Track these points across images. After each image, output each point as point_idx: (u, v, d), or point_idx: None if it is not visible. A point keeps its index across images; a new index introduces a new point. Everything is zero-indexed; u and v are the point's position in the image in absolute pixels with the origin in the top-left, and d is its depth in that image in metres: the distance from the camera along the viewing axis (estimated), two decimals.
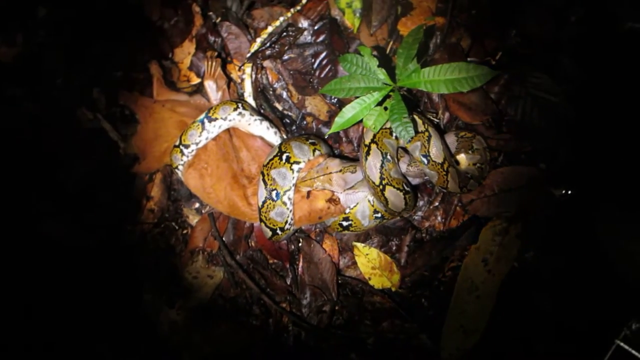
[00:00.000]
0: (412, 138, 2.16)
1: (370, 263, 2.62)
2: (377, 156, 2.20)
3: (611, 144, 2.23)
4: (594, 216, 1.56)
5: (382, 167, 2.19)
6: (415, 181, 2.56)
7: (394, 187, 2.19)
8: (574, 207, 2.18)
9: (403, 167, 2.39)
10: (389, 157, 2.22)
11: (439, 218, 2.65)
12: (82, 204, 2.89)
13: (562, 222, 2.33)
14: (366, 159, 2.22)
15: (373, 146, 2.22)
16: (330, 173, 2.29)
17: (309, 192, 2.38)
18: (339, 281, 2.70)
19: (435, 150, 2.24)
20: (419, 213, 2.68)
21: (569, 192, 2.25)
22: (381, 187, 2.19)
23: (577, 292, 2.20)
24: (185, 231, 2.94)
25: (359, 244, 2.63)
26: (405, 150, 2.43)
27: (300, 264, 2.70)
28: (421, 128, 2.25)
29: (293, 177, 2.36)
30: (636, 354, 1.35)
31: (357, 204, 2.43)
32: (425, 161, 2.27)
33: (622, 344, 1.40)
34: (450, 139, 2.45)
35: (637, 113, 2.18)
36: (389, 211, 2.34)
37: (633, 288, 1.43)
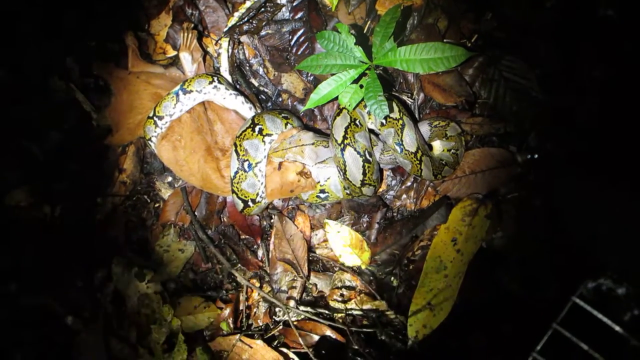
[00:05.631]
0: (386, 117, 2.18)
1: (341, 240, 2.64)
2: (345, 118, 2.23)
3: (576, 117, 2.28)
4: (553, 181, 1.60)
5: (347, 127, 2.21)
6: (388, 167, 2.58)
7: (354, 149, 2.21)
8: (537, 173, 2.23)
9: (376, 154, 2.41)
10: (357, 122, 2.24)
11: (411, 198, 2.68)
12: (52, 174, 2.84)
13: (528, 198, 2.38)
14: (335, 119, 2.26)
15: (344, 110, 2.26)
16: (303, 145, 2.30)
17: (280, 164, 2.39)
18: (310, 258, 2.72)
19: (409, 139, 2.25)
20: (391, 192, 2.70)
21: (534, 156, 2.30)
22: (342, 146, 2.21)
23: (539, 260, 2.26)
24: (157, 205, 2.92)
25: (330, 222, 2.65)
26: (378, 137, 2.45)
27: (272, 240, 2.71)
28: (396, 115, 2.26)
29: (265, 149, 2.37)
30: (591, 310, 1.39)
31: (329, 178, 2.45)
32: (399, 149, 2.28)
33: (578, 300, 1.44)
34: (424, 128, 2.47)
35: (608, 96, 2.23)
36: (347, 184, 2.33)
37: (588, 250, 1.49)
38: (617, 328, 1.36)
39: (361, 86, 2.16)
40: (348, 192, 2.43)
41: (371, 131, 2.44)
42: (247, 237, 2.80)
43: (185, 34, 2.66)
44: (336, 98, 2.22)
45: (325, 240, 2.71)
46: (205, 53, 2.77)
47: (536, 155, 2.29)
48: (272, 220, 2.78)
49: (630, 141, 1.99)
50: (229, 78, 2.76)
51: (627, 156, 1.89)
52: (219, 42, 2.77)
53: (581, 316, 1.43)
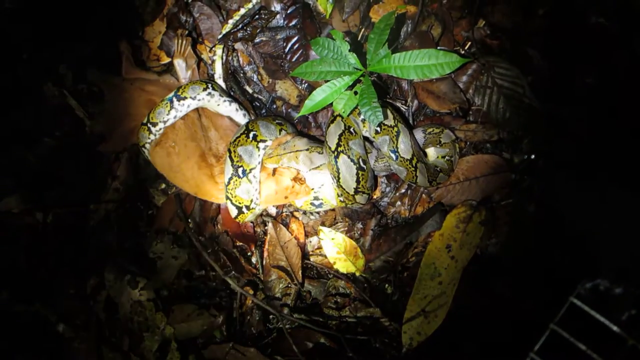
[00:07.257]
0: (380, 124, 2.18)
1: (335, 247, 2.63)
2: (339, 126, 2.23)
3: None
4: (554, 183, 1.60)
5: (341, 135, 2.21)
6: (382, 174, 2.58)
7: (348, 157, 2.20)
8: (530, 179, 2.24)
9: (371, 161, 2.41)
10: (352, 130, 2.24)
11: (405, 205, 2.68)
12: (45, 180, 2.83)
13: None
14: (329, 126, 2.26)
15: (338, 118, 2.25)
16: (298, 151, 2.30)
17: (274, 170, 2.39)
18: (304, 265, 2.71)
19: (404, 146, 2.26)
20: (385, 199, 2.70)
21: (528, 161, 2.31)
22: (335, 153, 2.21)
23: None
24: (150, 212, 2.92)
25: (325, 229, 2.64)
26: (372, 144, 2.45)
27: (266, 247, 2.70)
28: (391, 122, 2.26)
29: (259, 155, 2.37)
30: (588, 310, 1.39)
31: (323, 184, 2.44)
32: (394, 157, 2.29)
33: (575, 300, 1.44)
34: (418, 135, 2.47)
35: (601, 102, 2.25)
36: (341, 192, 2.32)
37: (588, 250, 1.49)
38: (615, 328, 1.36)
39: (355, 93, 2.17)
40: (342, 199, 2.42)
41: (365, 138, 2.44)
42: (241, 244, 2.79)
43: (180, 41, 2.66)
44: (330, 105, 2.23)
45: (320, 247, 2.70)
46: (200, 60, 2.78)
47: (530, 159, 2.30)
48: (266, 227, 2.77)
49: (622, 146, 2.01)
50: (223, 85, 2.76)
51: (618, 161, 1.91)
52: (213, 49, 2.78)
53: (579, 316, 1.43)
